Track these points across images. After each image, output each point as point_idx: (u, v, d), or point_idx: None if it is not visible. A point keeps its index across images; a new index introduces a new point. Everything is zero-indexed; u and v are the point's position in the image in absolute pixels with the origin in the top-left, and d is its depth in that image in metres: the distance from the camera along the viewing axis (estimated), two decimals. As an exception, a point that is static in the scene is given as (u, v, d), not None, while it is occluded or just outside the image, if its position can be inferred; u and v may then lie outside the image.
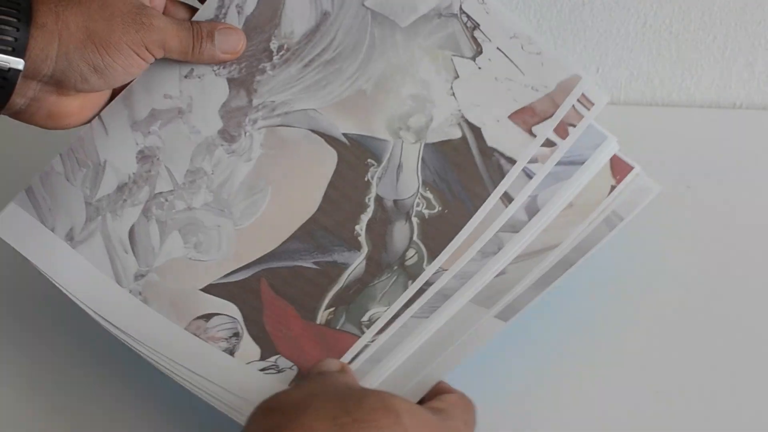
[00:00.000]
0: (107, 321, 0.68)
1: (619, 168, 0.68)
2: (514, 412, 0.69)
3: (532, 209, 0.66)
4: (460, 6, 0.68)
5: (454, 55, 0.68)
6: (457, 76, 0.68)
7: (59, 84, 0.67)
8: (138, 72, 0.69)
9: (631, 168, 0.68)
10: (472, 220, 0.65)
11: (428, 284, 0.66)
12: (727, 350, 0.71)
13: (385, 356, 0.65)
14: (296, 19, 0.70)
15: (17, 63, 0.64)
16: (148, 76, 0.71)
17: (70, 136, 0.71)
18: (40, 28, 0.65)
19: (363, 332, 0.65)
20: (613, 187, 0.67)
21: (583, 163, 0.66)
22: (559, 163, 0.66)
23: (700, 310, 0.74)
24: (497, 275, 0.65)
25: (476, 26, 0.68)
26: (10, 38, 0.64)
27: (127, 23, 0.67)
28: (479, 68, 0.68)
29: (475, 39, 0.68)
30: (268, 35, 0.70)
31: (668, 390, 0.70)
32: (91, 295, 0.68)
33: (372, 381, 0.65)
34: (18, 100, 0.66)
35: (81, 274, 0.69)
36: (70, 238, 0.69)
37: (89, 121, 0.71)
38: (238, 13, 0.70)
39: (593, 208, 0.66)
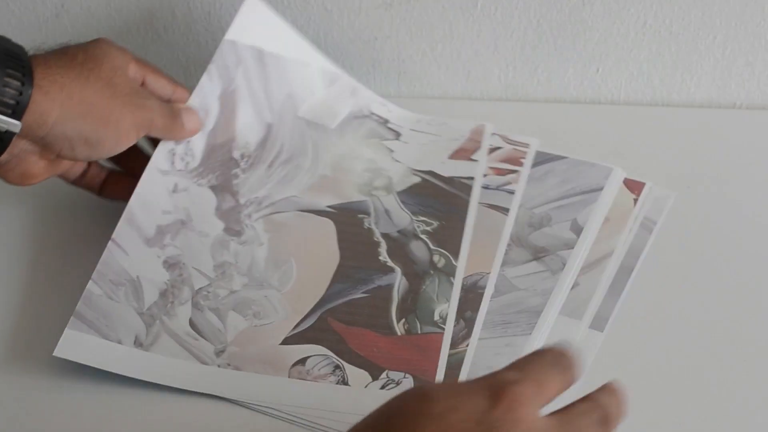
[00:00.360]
0: (213, 395, 0.69)
1: (633, 186, 0.81)
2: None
3: (576, 228, 0.77)
4: (370, 110, 0.86)
5: (381, 140, 0.84)
6: (392, 151, 0.83)
7: (46, 147, 0.69)
8: (121, 149, 0.73)
9: (643, 184, 0.81)
10: (468, 221, 0.78)
11: (499, 293, 0.74)
12: (723, 349, 0.71)
13: None
14: (248, 131, 0.82)
15: (15, 126, 0.65)
16: (141, 198, 0.77)
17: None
18: (44, 95, 0.66)
19: (443, 328, 0.71)
20: (635, 200, 0.80)
21: (601, 189, 0.80)
22: (583, 192, 0.80)
23: (698, 309, 0.74)
24: (573, 288, 0.74)
25: (386, 121, 0.86)
26: (11, 101, 0.64)
27: (126, 103, 0.71)
28: (406, 143, 0.84)
29: (390, 129, 0.85)
30: (229, 147, 0.81)
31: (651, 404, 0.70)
32: (185, 380, 0.70)
33: None
34: (3, 156, 0.67)
35: (166, 367, 0.70)
36: (139, 344, 0.72)
37: (41, 180, 0.73)
38: (202, 129, 0.81)
39: (626, 217, 0.78)
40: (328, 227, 0.78)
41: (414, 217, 0.78)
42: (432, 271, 0.75)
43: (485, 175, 0.81)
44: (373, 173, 0.82)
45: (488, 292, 0.73)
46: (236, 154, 0.81)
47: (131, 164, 0.79)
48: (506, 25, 0.88)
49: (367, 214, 0.79)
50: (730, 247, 0.78)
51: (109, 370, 0.69)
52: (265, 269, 0.76)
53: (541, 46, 0.89)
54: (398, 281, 0.74)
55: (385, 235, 0.77)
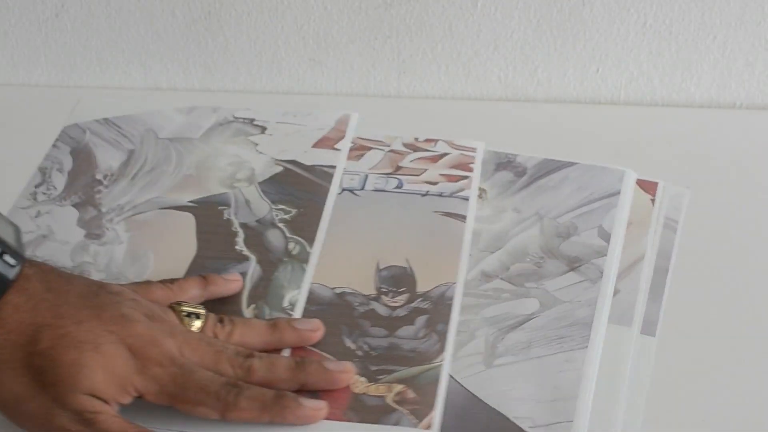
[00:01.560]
0: None
1: (647, 186, 0.81)
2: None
3: (604, 234, 0.77)
4: (233, 115, 0.88)
5: (247, 137, 0.86)
6: (257, 144, 0.85)
7: None
8: None
9: (656, 183, 0.81)
10: (325, 208, 0.79)
11: (545, 307, 0.72)
12: (726, 348, 0.71)
13: (578, 393, 0.67)
14: (109, 159, 0.85)
15: None
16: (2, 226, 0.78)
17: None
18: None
19: (291, 314, 0.72)
20: (652, 201, 0.80)
21: (618, 192, 0.80)
22: (602, 197, 0.80)
23: (698, 309, 0.74)
24: (615, 294, 0.74)
25: (252, 120, 0.87)
26: None
27: None
28: (271, 135, 0.86)
29: (256, 125, 0.87)
30: (92, 173, 0.83)
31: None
32: None
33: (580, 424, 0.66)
34: None
35: None
36: None
37: None
38: (60, 171, 0.84)
39: (648, 219, 0.79)
40: (188, 221, 0.79)
41: (273, 206, 0.80)
42: (286, 259, 0.76)
43: (437, 183, 0.81)
44: (236, 166, 0.83)
45: (457, 302, 0.72)
46: (99, 176, 0.83)
47: None
48: (506, 25, 0.88)
49: (228, 205, 0.80)
50: (730, 247, 0.78)
51: None
52: (122, 264, 0.76)
53: (541, 46, 0.89)
54: (252, 269, 0.75)
55: (243, 225, 0.78)
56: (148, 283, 0.70)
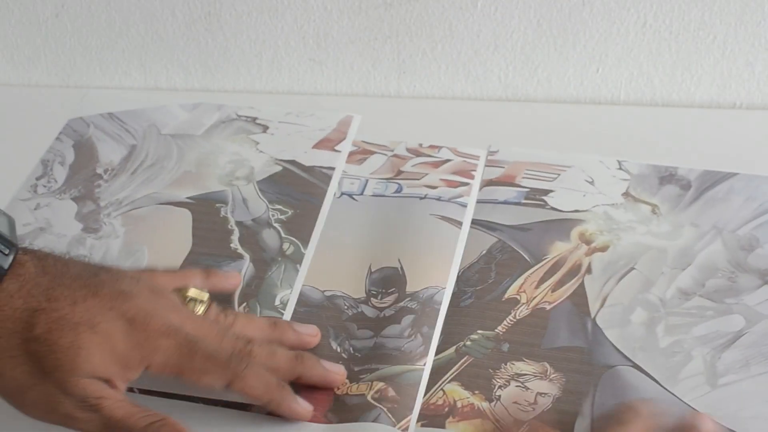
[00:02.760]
0: None
1: None
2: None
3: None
4: (236, 113, 0.88)
5: (248, 135, 0.86)
6: (257, 143, 0.86)
7: None
8: None
9: None
10: (322, 209, 0.80)
11: (751, 323, 0.71)
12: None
13: None
14: (110, 154, 0.86)
15: None
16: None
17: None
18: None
19: (282, 313, 0.73)
20: None
21: None
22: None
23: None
24: None
25: (255, 118, 0.88)
26: None
27: None
28: (272, 135, 0.86)
29: (258, 124, 0.87)
30: (93, 167, 0.84)
31: None
32: None
33: None
34: None
35: None
36: None
37: None
38: (61, 164, 0.85)
39: None
40: (185, 216, 0.80)
41: (270, 206, 0.80)
42: (280, 258, 0.76)
43: (436, 188, 0.81)
44: (235, 164, 0.84)
45: (444, 307, 0.72)
46: (100, 170, 0.84)
47: None
48: (506, 25, 0.88)
49: (225, 203, 0.81)
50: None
51: None
52: (117, 258, 0.77)
53: (541, 46, 0.89)
54: (245, 268, 0.76)
55: (239, 223, 0.79)
56: (152, 269, 0.69)
